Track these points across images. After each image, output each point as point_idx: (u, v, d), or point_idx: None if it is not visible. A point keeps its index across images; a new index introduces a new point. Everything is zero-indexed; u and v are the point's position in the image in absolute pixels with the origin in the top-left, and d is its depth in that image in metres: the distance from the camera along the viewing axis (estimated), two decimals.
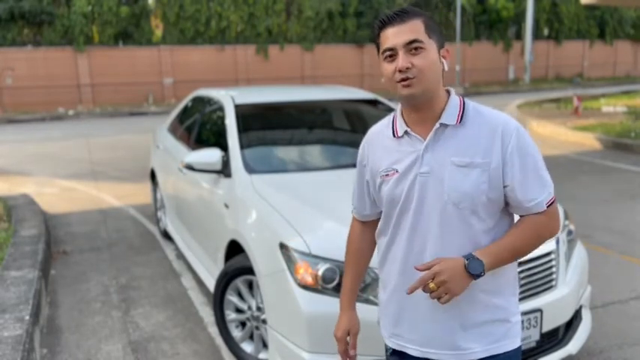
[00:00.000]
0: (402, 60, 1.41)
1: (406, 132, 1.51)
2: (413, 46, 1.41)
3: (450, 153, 1.45)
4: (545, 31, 28.47)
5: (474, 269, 1.40)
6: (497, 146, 1.44)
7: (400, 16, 1.43)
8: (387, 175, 1.53)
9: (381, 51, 1.47)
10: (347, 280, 1.76)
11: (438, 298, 1.39)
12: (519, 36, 27.73)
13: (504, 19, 26.64)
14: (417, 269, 1.41)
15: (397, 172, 1.50)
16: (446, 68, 1.48)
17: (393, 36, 1.43)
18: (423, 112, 1.48)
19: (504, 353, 1.52)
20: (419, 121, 1.50)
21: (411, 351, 1.56)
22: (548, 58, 28.81)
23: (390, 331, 1.62)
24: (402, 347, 1.59)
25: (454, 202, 1.44)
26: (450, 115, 1.47)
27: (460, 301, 1.47)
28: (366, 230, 1.73)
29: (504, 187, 1.45)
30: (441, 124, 1.47)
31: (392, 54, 1.44)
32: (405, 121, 1.53)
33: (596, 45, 30.21)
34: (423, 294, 1.47)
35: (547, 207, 1.47)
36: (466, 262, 1.40)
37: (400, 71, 1.41)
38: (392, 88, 1.47)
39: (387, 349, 1.67)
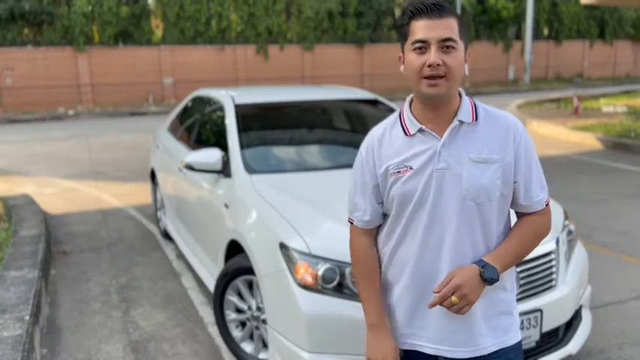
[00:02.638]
0: (434, 55, 1.38)
1: (420, 129, 1.50)
2: (447, 44, 1.39)
3: (467, 150, 1.46)
4: (545, 31, 28.47)
5: (489, 277, 1.43)
6: (509, 143, 1.48)
7: (438, 10, 1.40)
8: (398, 172, 1.50)
9: (410, 41, 1.43)
10: (373, 299, 1.59)
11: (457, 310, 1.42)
12: (519, 36, 27.71)
13: (504, 19, 26.63)
14: (435, 292, 1.43)
15: (411, 169, 1.49)
16: (466, 72, 1.48)
17: (428, 29, 1.39)
18: (439, 110, 1.48)
19: (511, 346, 1.55)
20: (433, 119, 1.49)
21: (425, 349, 1.55)
22: (548, 58, 28.80)
23: (400, 331, 1.59)
24: (414, 346, 1.57)
25: (472, 198, 1.45)
26: (465, 113, 1.49)
27: None
28: (373, 242, 1.64)
29: (514, 182, 1.50)
30: (459, 121, 1.48)
31: (423, 46, 1.40)
32: (416, 119, 1.51)
33: (596, 45, 30.20)
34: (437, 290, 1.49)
35: (545, 205, 1.55)
36: (482, 269, 1.43)
37: (430, 66, 1.39)
38: (413, 82, 1.44)
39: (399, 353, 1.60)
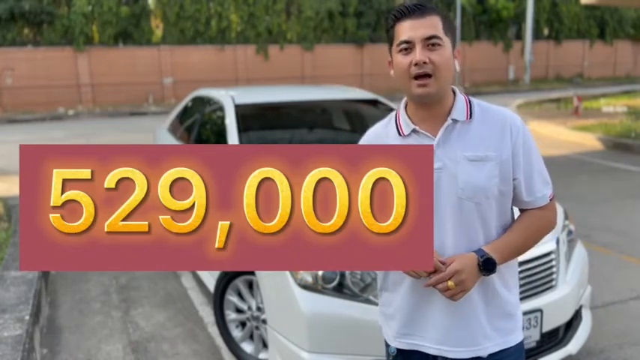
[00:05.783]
0: (419, 54, 1.39)
1: (414, 130, 1.49)
2: (431, 42, 1.40)
3: (462, 148, 1.45)
4: (545, 31, 28.47)
5: (487, 267, 1.42)
6: (506, 140, 1.46)
7: (420, 10, 1.41)
8: None
9: (395, 43, 1.45)
10: None
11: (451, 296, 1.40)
12: (519, 36, 27.71)
13: (504, 19, 26.63)
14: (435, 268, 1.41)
15: None
16: (457, 69, 1.48)
17: (411, 29, 1.40)
18: (432, 109, 1.48)
19: (513, 346, 1.54)
20: (427, 119, 1.49)
21: (426, 349, 1.53)
22: (548, 58, 28.80)
23: (399, 331, 1.57)
24: (414, 346, 1.55)
25: (468, 197, 1.44)
26: (459, 112, 1.48)
27: (476, 296, 1.48)
28: None
29: (513, 179, 1.48)
30: (453, 120, 1.47)
31: (408, 47, 1.41)
32: (410, 119, 1.51)
33: (596, 45, 30.20)
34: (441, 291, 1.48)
35: (549, 200, 1.53)
36: (480, 259, 1.42)
37: (416, 65, 1.39)
38: (403, 84, 1.45)
39: (390, 352, 1.62)
